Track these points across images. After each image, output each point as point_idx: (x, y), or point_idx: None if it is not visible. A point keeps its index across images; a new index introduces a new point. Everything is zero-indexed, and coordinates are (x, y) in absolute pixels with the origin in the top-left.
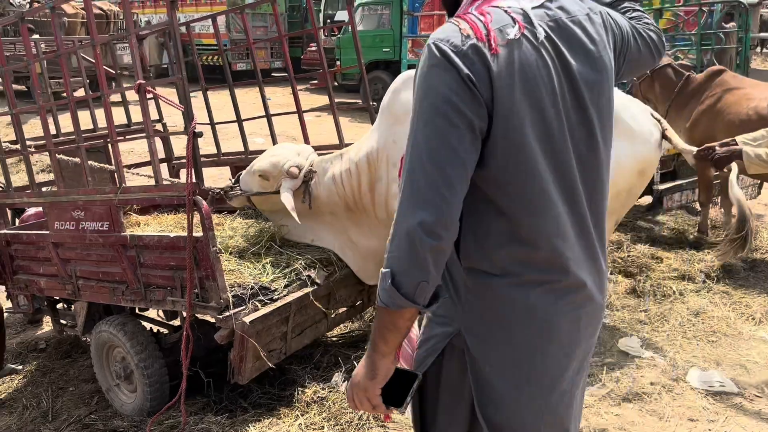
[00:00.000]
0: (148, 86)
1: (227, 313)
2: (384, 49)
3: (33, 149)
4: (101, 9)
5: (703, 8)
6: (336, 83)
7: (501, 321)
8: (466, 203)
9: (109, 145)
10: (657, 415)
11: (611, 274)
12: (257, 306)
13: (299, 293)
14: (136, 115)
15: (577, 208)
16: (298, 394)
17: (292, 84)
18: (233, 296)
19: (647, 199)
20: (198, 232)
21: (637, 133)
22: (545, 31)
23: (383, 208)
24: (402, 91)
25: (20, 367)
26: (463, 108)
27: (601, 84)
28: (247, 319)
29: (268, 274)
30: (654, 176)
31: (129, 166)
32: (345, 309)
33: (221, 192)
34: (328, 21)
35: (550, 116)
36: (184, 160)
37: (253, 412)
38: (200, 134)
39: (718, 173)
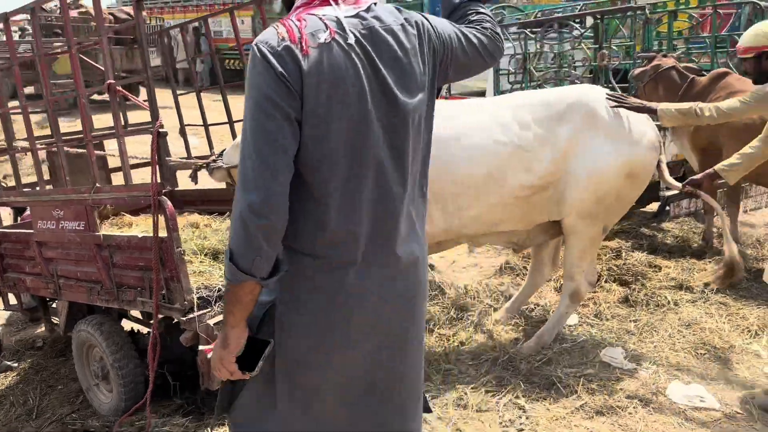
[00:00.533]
0: (117, 86)
1: (191, 315)
2: None
3: (20, 148)
4: (129, 14)
5: (719, 10)
6: None
7: (305, 294)
8: (291, 186)
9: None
10: (629, 430)
11: (605, 282)
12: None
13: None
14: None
15: (386, 197)
16: None
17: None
18: (199, 298)
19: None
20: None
21: (624, 133)
22: (356, 37)
23: None
24: None
25: (15, 364)
26: (280, 102)
27: (411, 87)
28: (212, 322)
29: None
30: (660, 182)
31: (113, 170)
32: None
33: (203, 165)
34: None
35: (355, 111)
36: (175, 161)
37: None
38: (165, 134)
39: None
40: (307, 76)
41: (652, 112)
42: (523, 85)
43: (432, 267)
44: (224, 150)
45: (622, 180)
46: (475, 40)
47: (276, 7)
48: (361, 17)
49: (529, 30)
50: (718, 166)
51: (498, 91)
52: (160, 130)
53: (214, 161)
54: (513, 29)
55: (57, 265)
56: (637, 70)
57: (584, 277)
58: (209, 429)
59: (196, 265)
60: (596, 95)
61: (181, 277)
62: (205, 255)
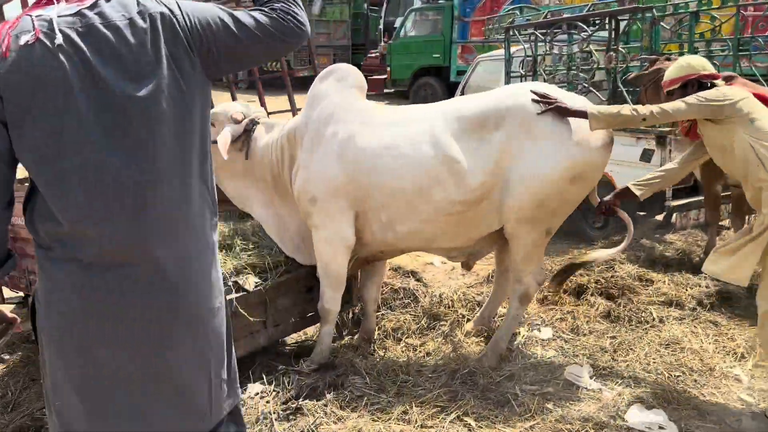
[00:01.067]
0: None
1: None
2: (434, 55)
3: None
4: None
5: (741, 11)
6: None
7: (47, 289)
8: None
9: None
10: None
11: (591, 295)
12: None
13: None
14: None
15: (123, 191)
16: None
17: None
18: None
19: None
20: None
21: (567, 134)
22: (67, 36)
23: (294, 189)
24: (324, 80)
25: (6, 356)
26: None
27: (140, 80)
28: None
29: None
30: (665, 191)
31: None
32: (292, 320)
33: None
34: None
35: (62, 110)
36: None
37: None
38: None
39: (728, 192)
40: (3, 79)
41: (580, 115)
42: None
43: (414, 273)
44: None
45: (566, 183)
46: (250, 22)
47: (315, 9)
48: (82, 15)
49: (539, 31)
50: (631, 184)
51: None
52: None
53: None
54: (525, 30)
55: (28, 261)
56: (632, 74)
57: (532, 278)
58: None
59: None
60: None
61: None
62: None
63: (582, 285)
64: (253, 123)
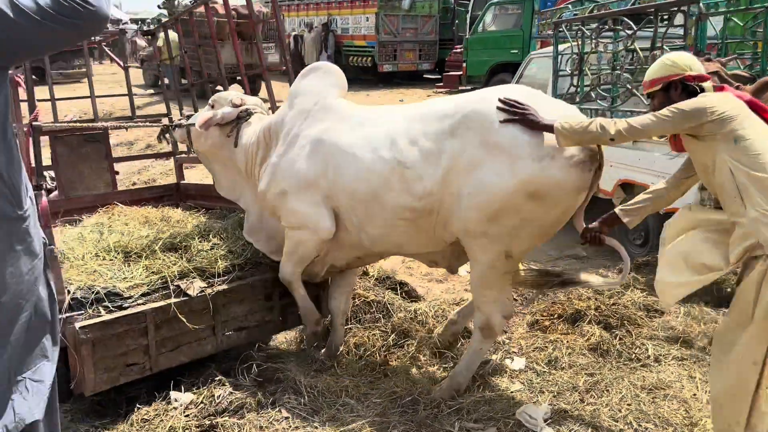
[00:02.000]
0: (16, 76)
1: (60, 316)
2: (512, 51)
3: None
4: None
5: None
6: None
7: None
8: None
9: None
10: None
11: (587, 323)
12: (100, 312)
13: (158, 303)
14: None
15: None
16: (135, 411)
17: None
18: (72, 299)
19: None
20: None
21: (529, 148)
22: None
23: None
24: (305, 77)
25: None
26: None
27: None
28: (78, 325)
29: (129, 279)
30: None
31: (118, 159)
32: (247, 327)
33: (173, 126)
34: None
35: None
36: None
37: (93, 424)
38: (39, 128)
39: None
40: None
41: (548, 129)
42: (578, 88)
43: (403, 285)
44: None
45: (522, 200)
46: (28, 5)
47: (405, 4)
48: None
49: (585, 27)
50: (618, 209)
51: (556, 94)
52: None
53: (182, 120)
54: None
55: None
56: None
57: (496, 309)
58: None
59: (93, 264)
60: (496, 104)
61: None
62: (118, 253)
63: (579, 311)
64: (248, 113)
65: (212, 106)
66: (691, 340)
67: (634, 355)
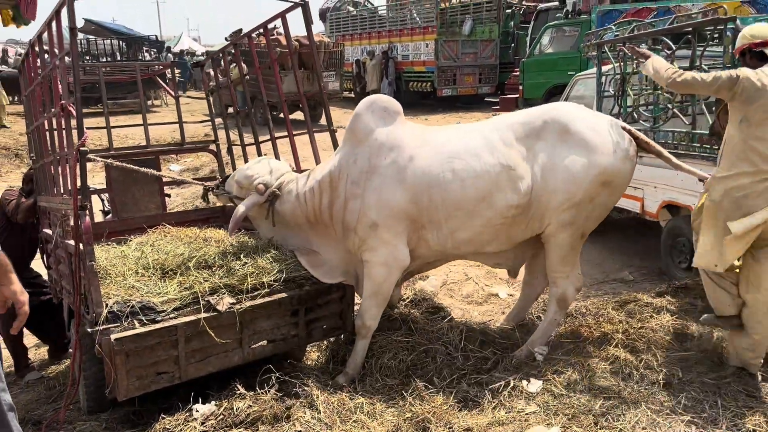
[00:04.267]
0: (69, 105)
1: (96, 328)
2: (569, 72)
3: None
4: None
5: None
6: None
7: None
8: None
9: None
10: None
11: (613, 347)
12: (134, 325)
13: (189, 318)
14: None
15: None
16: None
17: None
18: (110, 312)
19: None
20: None
21: (595, 144)
22: None
23: (340, 223)
24: (363, 114)
25: (42, 372)
26: None
27: None
28: (113, 337)
29: (163, 294)
30: None
31: (168, 183)
32: (273, 340)
33: (211, 189)
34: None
35: None
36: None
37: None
38: (85, 152)
39: None
40: None
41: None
42: (621, 109)
43: (438, 308)
44: (227, 177)
45: (598, 187)
46: None
47: (465, 29)
48: None
49: (626, 47)
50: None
51: None
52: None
53: (217, 187)
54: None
55: (59, 266)
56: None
57: (570, 282)
58: None
59: (131, 280)
60: (570, 111)
61: (92, 290)
62: (156, 270)
63: (606, 334)
64: (274, 196)
65: (240, 187)
66: (722, 363)
67: (655, 379)
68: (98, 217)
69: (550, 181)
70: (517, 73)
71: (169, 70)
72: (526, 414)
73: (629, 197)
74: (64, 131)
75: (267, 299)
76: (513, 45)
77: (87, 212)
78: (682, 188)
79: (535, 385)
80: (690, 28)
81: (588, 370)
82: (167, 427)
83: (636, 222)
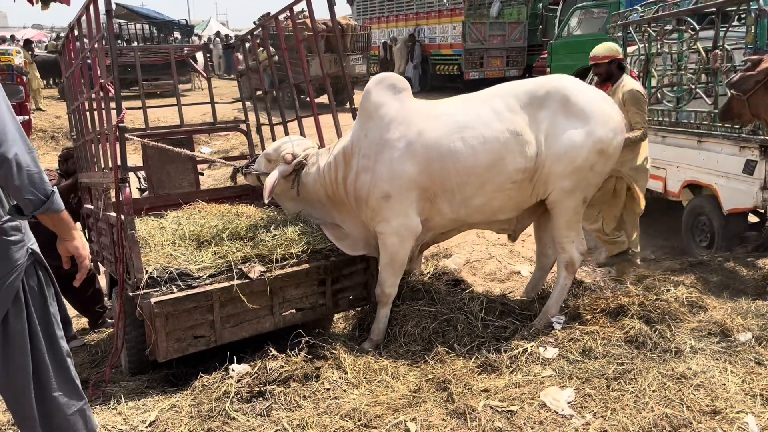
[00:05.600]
0: (108, 83)
1: (138, 292)
2: None
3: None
4: (338, 23)
5: None
6: None
7: None
8: None
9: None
10: None
11: (630, 318)
12: (173, 290)
13: (224, 284)
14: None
15: None
16: (198, 378)
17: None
18: (150, 278)
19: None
20: None
21: (593, 115)
22: None
23: (353, 196)
24: (373, 91)
25: (83, 340)
26: None
27: None
28: (153, 300)
29: (199, 262)
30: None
31: (201, 161)
32: (302, 309)
33: (240, 168)
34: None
35: None
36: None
37: (164, 389)
38: (124, 128)
39: None
40: None
41: None
42: (645, 90)
43: (458, 281)
44: (256, 156)
45: (595, 155)
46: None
47: (493, 11)
48: None
49: (651, 28)
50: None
51: None
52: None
53: (247, 167)
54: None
55: (99, 238)
56: (736, 76)
57: (575, 247)
58: (143, 396)
59: (169, 249)
60: (569, 83)
61: (133, 257)
62: (192, 241)
63: (623, 306)
64: (301, 165)
65: (269, 161)
66: (732, 334)
67: (668, 347)
68: (136, 195)
69: (553, 147)
70: (546, 56)
71: (200, 53)
72: (542, 377)
73: (653, 177)
74: (104, 110)
75: (295, 269)
76: (540, 27)
77: (127, 185)
78: (703, 168)
79: (551, 352)
80: (713, 8)
81: (603, 339)
82: (205, 383)
83: (659, 202)
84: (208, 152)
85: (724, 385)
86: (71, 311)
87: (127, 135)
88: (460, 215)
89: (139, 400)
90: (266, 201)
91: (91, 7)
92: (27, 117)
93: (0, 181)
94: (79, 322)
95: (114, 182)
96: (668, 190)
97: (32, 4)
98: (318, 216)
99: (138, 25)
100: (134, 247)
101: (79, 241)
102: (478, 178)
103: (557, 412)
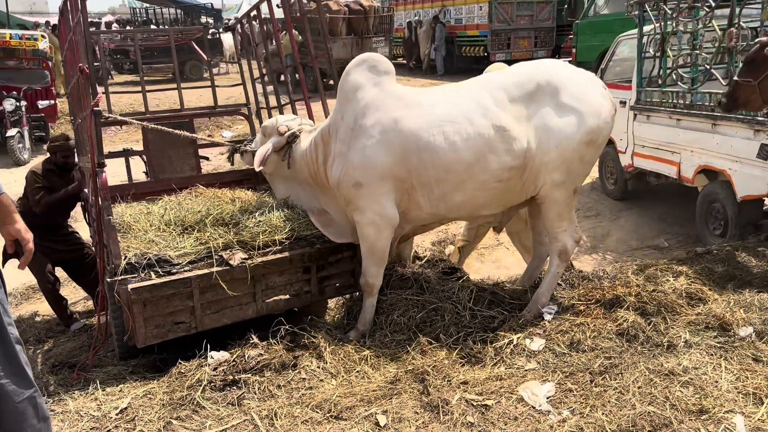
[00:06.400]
0: (86, 67)
1: (115, 278)
2: None
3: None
4: (360, 4)
5: None
6: None
7: None
8: None
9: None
10: None
11: (625, 309)
12: (151, 276)
13: (203, 271)
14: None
15: None
16: (176, 366)
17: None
18: (128, 264)
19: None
20: None
21: (584, 105)
22: None
23: (330, 181)
24: (351, 73)
25: (85, 322)
26: None
27: None
28: (130, 287)
29: (180, 248)
30: None
31: (202, 146)
32: (286, 296)
33: (237, 148)
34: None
35: None
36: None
37: (144, 375)
38: (99, 113)
39: None
40: None
41: None
42: (661, 70)
43: (454, 269)
44: (255, 138)
45: (585, 147)
46: None
47: None
48: None
49: (667, 6)
50: None
51: (641, 77)
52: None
53: (245, 146)
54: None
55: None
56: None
57: (569, 235)
58: (121, 382)
59: (151, 235)
60: (561, 72)
61: (110, 243)
62: (177, 227)
63: (618, 297)
64: (294, 136)
65: (264, 135)
66: (731, 328)
67: (660, 341)
68: (143, 178)
69: (544, 142)
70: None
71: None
72: (525, 370)
73: (666, 162)
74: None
75: (278, 256)
76: (566, 6)
77: (104, 170)
78: (718, 152)
79: (537, 344)
80: None
81: (593, 331)
82: (182, 371)
83: (676, 188)
84: (230, 136)
85: (716, 382)
86: (80, 294)
87: (123, 118)
88: (439, 210)
89: (116, 386)
90: (256, 169)
91: None
92: (52, 101)
93: None
94: (86, 304)
95: (91, 167)
96: (682, 175)
97: None
98: (306, 201)
99: (166, 10)
100: (111, 233)
101: (21, 224)
102: (457, 175)
103: (534, 407)
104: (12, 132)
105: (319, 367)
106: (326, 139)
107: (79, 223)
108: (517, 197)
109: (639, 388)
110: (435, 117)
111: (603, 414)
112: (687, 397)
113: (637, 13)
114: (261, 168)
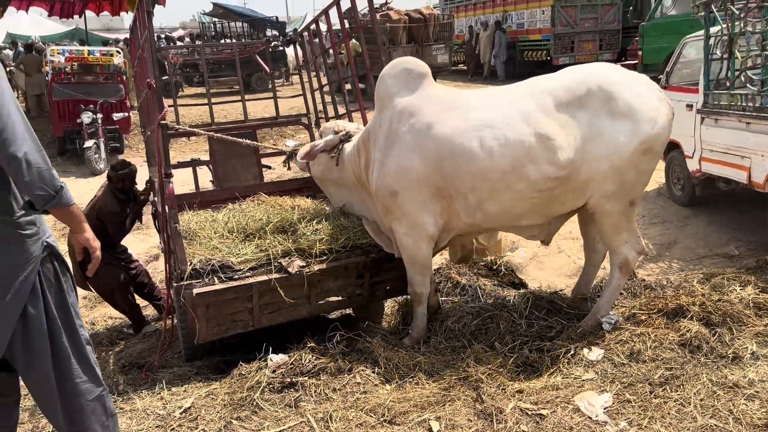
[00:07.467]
0: (153, 82)
1: (181, 283)
2: None
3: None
4: (420, 12)
5: None
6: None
7: None
8: None
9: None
10: None
11: (689, 319)
12: (214, 282)
13: (262, 278)
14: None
15: None
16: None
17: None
18: (193, 269)
19: None
20: None
21: (641, 112)
22: None
23: (371, 185)
24: (387, 78)
25: (157, 327)
26: None
27: None
28: (195, 291)
29: (242, 255)
30: None
31: (265, 155)
32: (338, 298)
33: (293, 153)
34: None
35: None
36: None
37: (207, 376)
38: (165, 125)
39: None
40: None
41: None
42: (729, 72)
43: (515, 280)
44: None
45: (640, 156)
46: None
47: None
48: None
49: (735, 6)
50: None
51: (708, 80)
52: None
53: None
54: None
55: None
56: None
57: (630, 247)
58: (189, 383)
59: (216, 242)
60: (614, 76)
61: (177, 249)
62: (239, 234)
63: (682, 306)
64: (348, 136)
65: (320, 136)
66: None
67: (725, 353)
68: (210, 187)
69: (593, 152)
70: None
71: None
72: (582, 380)
73: (736, 167)
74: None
75: (334, 263)
76: (631, 8)
77: (171, 180)
78: None
79: (595, 353)
80: None
81: (654, 341)
82: (243, 372)
83: (746, 193)
84: (293, 145)
85: None
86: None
87: (189, 129)
88: (476, 219)
89: (181, 386)
90: (299, 159)
91: (138, 10)
92: (126, 114)
93: (12, 178)
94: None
95: (159, 178)
96: (753, 180)
97: (116, 14)
98: (358, 209)
99: (233, 24)
100: (177, 240)
101: (90, 234)
102: (491, 183)
103: (590, 418)
104: (89, 143)
105: (373, 372)
106: (366, 145)
107: (150, 230)
108: (562, 208)
109: (701, 400)
110: (472, 121)
111: (662, 426)
112: (752, 410)
113: (703, 14)
114: (306, 162)
